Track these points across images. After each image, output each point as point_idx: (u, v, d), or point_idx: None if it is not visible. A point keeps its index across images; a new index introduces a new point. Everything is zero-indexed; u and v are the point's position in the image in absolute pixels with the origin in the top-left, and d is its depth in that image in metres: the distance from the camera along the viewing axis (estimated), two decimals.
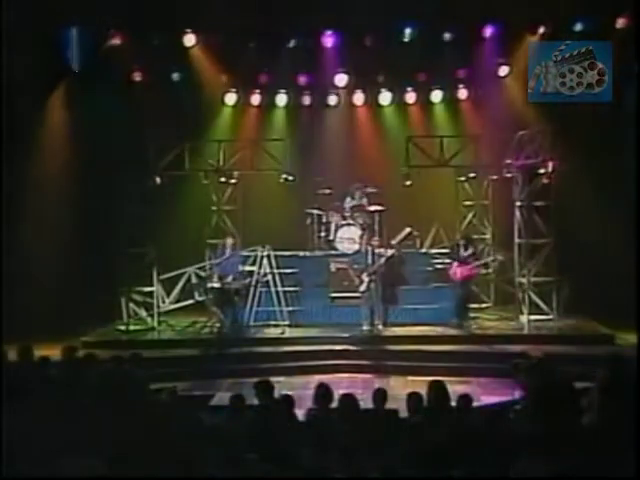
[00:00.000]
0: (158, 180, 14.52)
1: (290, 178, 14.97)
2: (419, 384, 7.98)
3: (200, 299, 14.94)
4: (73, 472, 5.26)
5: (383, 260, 13.95)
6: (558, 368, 8.39)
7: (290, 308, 14.56)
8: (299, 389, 10.43)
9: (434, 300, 14.54)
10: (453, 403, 7.10)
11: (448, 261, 14.63)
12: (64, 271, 15.05)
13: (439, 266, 14.93)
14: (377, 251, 14.03)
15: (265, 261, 14.53)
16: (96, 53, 15.16)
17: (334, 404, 7.17)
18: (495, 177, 15.59)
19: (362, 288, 13.94)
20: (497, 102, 16.08)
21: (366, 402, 7.48)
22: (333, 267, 14.81)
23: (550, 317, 14.49)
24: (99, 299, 14.50)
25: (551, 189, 14.34)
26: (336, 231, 15.18)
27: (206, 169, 15.18)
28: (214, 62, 15.95)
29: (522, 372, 7.84)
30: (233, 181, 15.50)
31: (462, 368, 12.38)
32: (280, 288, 14.44)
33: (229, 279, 14.09)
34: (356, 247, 14.95)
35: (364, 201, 15.37)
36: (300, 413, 7.31)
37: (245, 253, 14.86)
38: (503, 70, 15.97)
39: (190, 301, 15.14)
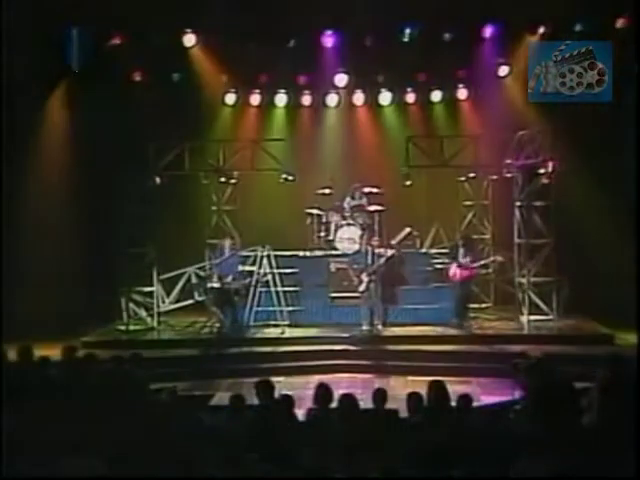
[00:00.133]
0: (158, 180, 14.53)
1: (290, 178, 14.97)
2: (419, 384, 7.98)
3: (200, 299, 14.95)
4: (73, 472, 5.27)
5: (383, 260, 13.95)
6: (558, 368, 8.38)
7: (290, 308, 14.55)
8: (299, 389, 10.40)
9: (434, 300, 14.53)
10: (453, 403, 7.10)
11: (448, 261, 14.64)
12: (64, 271, 15.04)
13: (439, 266, 14.93)
14: (377, 251, 14.03)
15: (265, 261, 14.52)
16: (96, 53, 15.12)
17: (334, 404, 7.17)
18: (495, 177, 15.61)
19: (362, 288, 13.94)
20: (497, 102, 16.05)
21: (366, 402, 7.47)
22: (333, 267, 14.82)
23: (550, 317, 14.49)
24: (99, 299, 14.54)
25: (551, 189, 14.35)
26: (336, 231, 15.16)
27: (206, 169, 15.21)
28: (214, 62, 15.92)
29: (522, 372, 7.84)
30: (233, 181, 15.53)
31: (462, 368, 12.38)
32: (280, 288, 14.44)
33: (229, 279, 14.10)
34: (356, 247, 14.93)
35: (364, 201, 15.35)
36: (300, 413, 7.31)
37: (245, 253, 14.87)
38: (503, 70, 15.94)
39: (190, 301, 15.14)
